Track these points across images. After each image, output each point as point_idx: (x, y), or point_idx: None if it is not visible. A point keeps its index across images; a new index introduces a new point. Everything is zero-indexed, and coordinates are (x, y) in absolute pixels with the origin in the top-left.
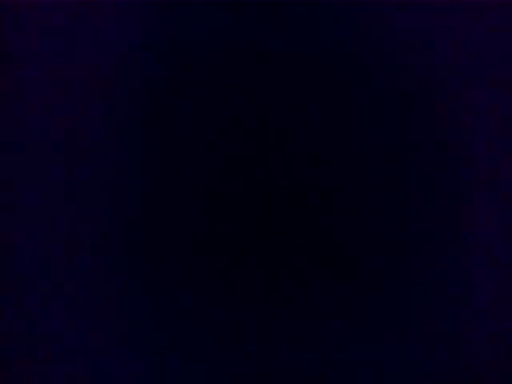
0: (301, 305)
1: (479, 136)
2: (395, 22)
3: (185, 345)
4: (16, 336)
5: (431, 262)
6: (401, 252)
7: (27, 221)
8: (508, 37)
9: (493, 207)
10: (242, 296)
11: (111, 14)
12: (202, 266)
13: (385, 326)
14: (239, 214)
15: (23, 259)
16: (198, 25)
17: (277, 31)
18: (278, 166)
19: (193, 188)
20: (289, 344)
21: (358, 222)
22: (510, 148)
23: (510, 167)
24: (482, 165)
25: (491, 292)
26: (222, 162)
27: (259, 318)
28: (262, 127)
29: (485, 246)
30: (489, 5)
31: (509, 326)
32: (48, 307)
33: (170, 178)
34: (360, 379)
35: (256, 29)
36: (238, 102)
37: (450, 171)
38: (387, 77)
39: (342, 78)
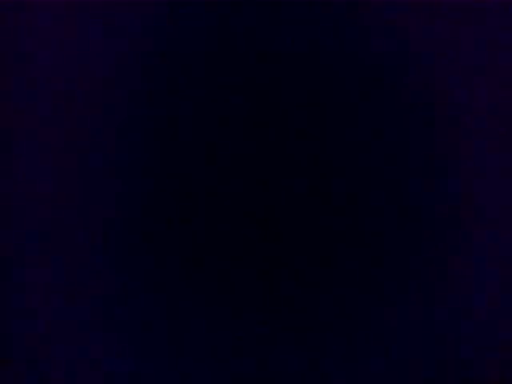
0: (301, 305)
1: (479, 136)
2: (395, 22)
3: (185, 345)
4: (16, 336)
5: (431, 262)
6: (401, 252)
7: (27, 221)
8: (508, 37)
9: (493, 207)
10: (242, 296)
11: (111, 14)
12: (202, 265)
13: (385, 326)
14: (239, 213)
15: (23, 259)
16: (198, 25)
17: (277, 31)
18: (277, 165)
19: (193, 188)
20: (289, 344)
21: (358, 222)
22: (510, 148)
23: (510, 167)
24: (482, 165)
25: (491, 292)
26: (221, 162)
27: (259, 318)
28: (262, 127)
29: (485, 246)
30: (489, 5)
31: (509, 325)
32: (48, 307)
33: (170, 177)
34: (360, 379)
35: (256, 29)
36: (237, 102)
37: (450, 171)
38: (387, 77)
39: (342, 78)
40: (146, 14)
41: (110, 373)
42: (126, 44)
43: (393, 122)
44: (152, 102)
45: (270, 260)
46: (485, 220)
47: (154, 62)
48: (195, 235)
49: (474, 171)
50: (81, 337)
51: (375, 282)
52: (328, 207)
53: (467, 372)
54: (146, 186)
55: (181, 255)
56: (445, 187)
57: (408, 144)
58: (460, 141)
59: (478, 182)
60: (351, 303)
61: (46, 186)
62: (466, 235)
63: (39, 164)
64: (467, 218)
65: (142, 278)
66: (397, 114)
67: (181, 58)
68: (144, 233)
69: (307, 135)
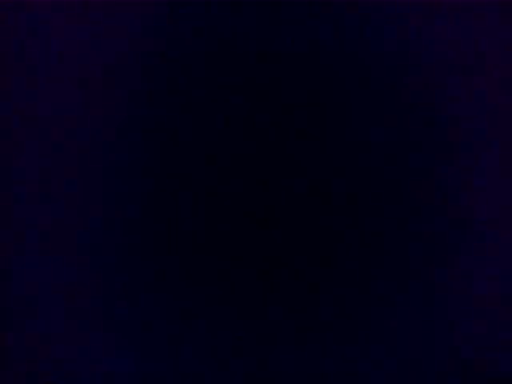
0: (301, 305)
1: (479, 136)
2: (395, 22)
3: (185, 345)
4: (16, 336)
5: (431, 262)
6: (400, 252)
7: (27, 221)
8: (508, 37)
9: (492, 207)
10: (242, 296)
11: (111, 14)
12: (202, 265)
13: (385, 326)
14: (239, 213)
15: (23, 259)
16: (198, 25)
17: (277, 31)
18: (277, 165)
19: (193, 188)
20: (289, 344)
21: (358, 222)
22: (510, 148)
23: (509, 167)
24: (482, 164)
25: (491, 292)
26: (221, 162)
27: (259, 318)
28: (262, 127)
29: (485, 246)
30: (489, 5)
31: (508, 324)
32: (48, 307)
33: (170, 177)
34: (360, 379)
35: (256, 29)
36: (237, 102)
37: (450, 171)
38: (387, 76)
39: (342, 78)
40: (146, 14)
41: (109, 373)
42: (125, 44)
43: (393, 122)
44: (152, 102)
45: (270, 260)
46: (485, 220)
47: (153, 62)
48: (195, 235)
49: (474, 171)
50: (81, 337)
51: (375, 281)
52: (328, 207)
53: (467, 372)
54: (146, 186)
55: (181, 255)
56: (445, 187)
57: (408, 144)
58: (460, 141)
59: (478, 181)
60: (351, 303)
61: (45, 186)
62: (465, 235)
63: (39, 164)
64: (467, 217)
65: (142, 277)
66: (397, 114)
67: (181, 58)
68: (144, 232)
69: (307, 135)
